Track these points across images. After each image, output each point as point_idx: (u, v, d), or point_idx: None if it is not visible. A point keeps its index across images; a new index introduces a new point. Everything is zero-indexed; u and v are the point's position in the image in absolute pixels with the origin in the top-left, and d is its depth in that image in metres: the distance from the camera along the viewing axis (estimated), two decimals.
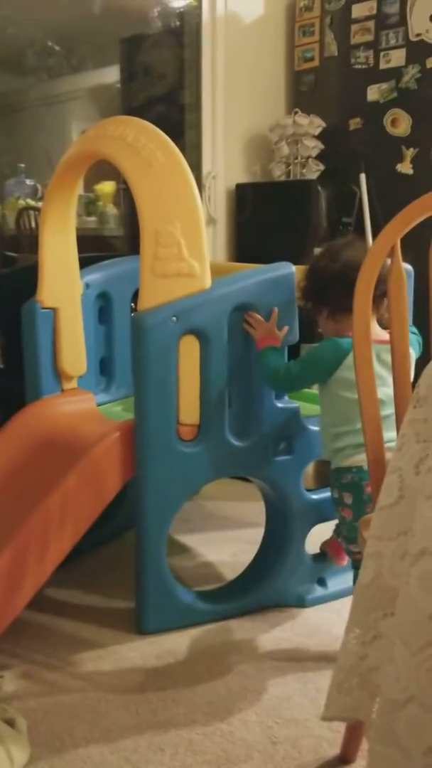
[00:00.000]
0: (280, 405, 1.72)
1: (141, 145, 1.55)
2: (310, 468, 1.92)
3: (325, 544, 1.82)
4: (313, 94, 2.93)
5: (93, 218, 3.94)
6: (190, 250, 1.55)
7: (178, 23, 3.17)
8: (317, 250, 2.61)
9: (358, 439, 1.44)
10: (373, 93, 2.72)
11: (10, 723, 1.31)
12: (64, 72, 4.68)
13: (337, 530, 1.72)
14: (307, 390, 2.42)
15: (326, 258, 1.60)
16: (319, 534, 1.84)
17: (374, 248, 1.25)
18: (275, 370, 1.62)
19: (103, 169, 1.90)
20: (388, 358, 1.25)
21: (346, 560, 1.76)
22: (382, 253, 1.24)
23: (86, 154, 1.73)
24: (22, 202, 4.15)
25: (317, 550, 1.85)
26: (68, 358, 1.87)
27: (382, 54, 2.68)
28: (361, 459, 1.47)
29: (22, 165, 4.46)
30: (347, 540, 1.59)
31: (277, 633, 1.70)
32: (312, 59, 2.92)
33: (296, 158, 2.82)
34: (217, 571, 2.02)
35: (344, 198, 2.72)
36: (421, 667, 0.74)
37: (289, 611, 1.78)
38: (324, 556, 1.83)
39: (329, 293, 1.55)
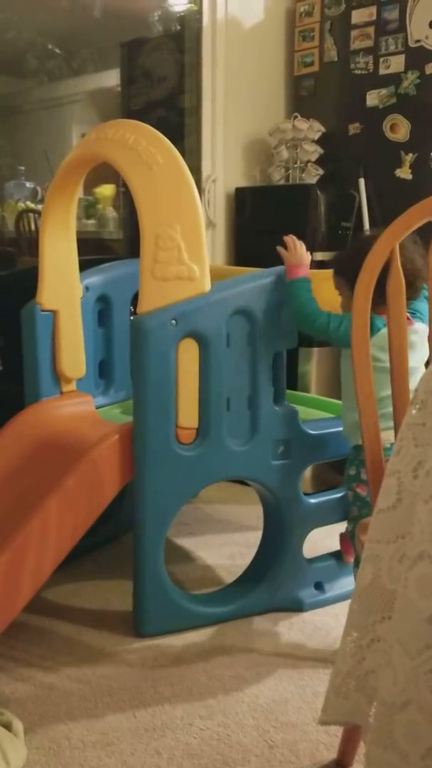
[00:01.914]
0: (278, 409, 1.73)
1: (141, 148, 1.56)
2: (308, 472, 1.92)
3: (343, 538, 1.82)
4: (313, 99, 2.94)
5: (92, 221, 3.95)
6: (190, 253, 1.55)
7: (178, 27, 3.18)
8: (321, 254, 2.62)
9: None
10: (373, 98, 2.73)
11: (7, 726, 1.31)
12: (64, 75, 4.69)
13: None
14: (306, 394, 2.44)
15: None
16: (317, 538, 1.84)
17: (374, 252, 1.25)
18: (311, 313, 1.62)
19: (102, 172, 1.91)
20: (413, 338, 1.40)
21: (352, 557, 1.77)
22: (381, 257, 1.25)
23: (87, 156, 1.74)
24: (21, 205, 4.16)
25: (315, 554, 1.85)
26: (67, 361, 1.88)
27: (381, 60, 2.69)
28: (382, 437, 1.46)
29: (22, 167, 4.46)
30: (360, 520, 1.59)
31: (275, 636, 1.70)
32: (312, 64, 2.93)
33: (295, 162, 2.83)
34: (214, 575, 2.02)
35: (343, 202, 2.73)
36: (419, 670, 0.74)
37: (286, 615, 1.78)
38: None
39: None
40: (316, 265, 2.60)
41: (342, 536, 1.81)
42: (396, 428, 1.24)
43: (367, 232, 1.70)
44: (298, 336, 1.74)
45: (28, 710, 1.42)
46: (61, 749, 1.32)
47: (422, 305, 1.61)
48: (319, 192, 2.68)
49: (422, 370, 1.52)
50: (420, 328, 1.56)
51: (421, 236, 1.43)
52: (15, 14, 4.04)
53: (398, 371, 1.25)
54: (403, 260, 1.26)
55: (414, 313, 1.58)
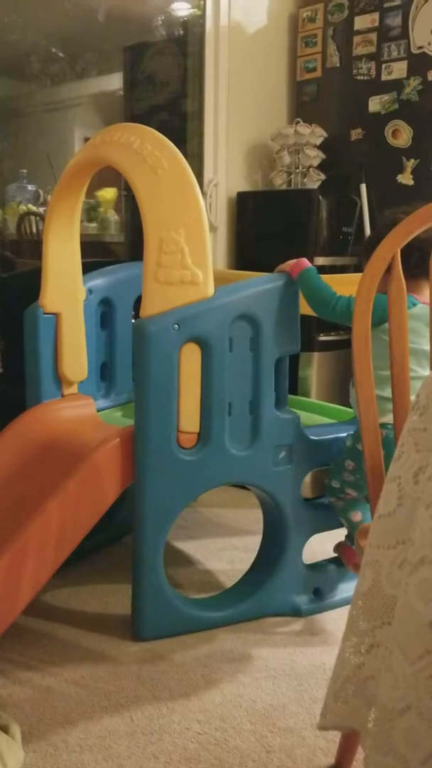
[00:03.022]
0: (280, 414, 1.73)
1: (147, 152, 1.56)
2: (307, 477, 1.92)
3: (338, 547, 1.82)
4: (315, 105, 2.95)
5: (94, 224, 3.95)
6: (194, 257, 1.55)
7: (181, 32, 3.19)
8: (322, 259, 2.64)
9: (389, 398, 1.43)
10: (375, 104, 2.74)
11: (4, 729, 1.31)
12: (67, 78, 4.70)
13: (350, 535, 1.76)
14: (307, 399, 2.44)
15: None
16: (317, 544, 1.84)
17: (374, 258, 1.26)
18: (330, 296, 1.65)
19: (104, 175, 1.91)
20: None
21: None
22: (382, 263, 1.25)
23: (92, 160, 1.74)
24: (23, 207, 4.16)
25: (314, 560, 1.85)
26: (69, 363, 1.88)
27: (383, 66, 2.71)
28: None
29: (24, 170, 4.47)
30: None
31: (273, 642, 1.70)
32: (314, 70, 2.94)
33: (297, 167, 2.83)
34: (213, 579, 2.02)
35: (345, 208, 2.73)
36: (419, 675, 0.74)
37: (285, 620, 1.78)
38: (328, 564, 1.84)
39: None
40: (317, 270, 2.60)
41: (342, 546, 1.81)
42: (397, 433, 1.24)
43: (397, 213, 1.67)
44: (300, 340, 1.74)
45: (25, 713, 1.42)
46: (58, 752, 1.32)
47: None
48: (320, 197, 2.69)
49: None
50: None
51: None
52: (19, 17, 4.05)
53: (399, 377, 1.25)
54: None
55: None
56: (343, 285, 1.69)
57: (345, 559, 1.81)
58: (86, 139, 2.21)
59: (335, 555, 1.86)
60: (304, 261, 1.73)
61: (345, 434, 1.80)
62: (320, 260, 2.64)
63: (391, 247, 1.24)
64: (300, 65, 2.99)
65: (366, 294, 1.25)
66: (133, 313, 2.11)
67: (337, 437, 1.81)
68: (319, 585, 1.83)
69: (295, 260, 1.74)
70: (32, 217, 3.97)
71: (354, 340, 1.25)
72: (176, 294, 1.56)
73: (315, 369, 2.63)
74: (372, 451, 1.24)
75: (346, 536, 1.82)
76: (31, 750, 1.31)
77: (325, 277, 1.72)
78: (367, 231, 2.69)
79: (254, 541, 1.87)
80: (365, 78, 2.76)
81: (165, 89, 3.20)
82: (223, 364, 1.63)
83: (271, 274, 1.74)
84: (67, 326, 1.86)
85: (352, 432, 1.72)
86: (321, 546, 1.87)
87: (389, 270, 1.26)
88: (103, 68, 4.44)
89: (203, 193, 2.83)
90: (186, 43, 3.06)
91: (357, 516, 1.72)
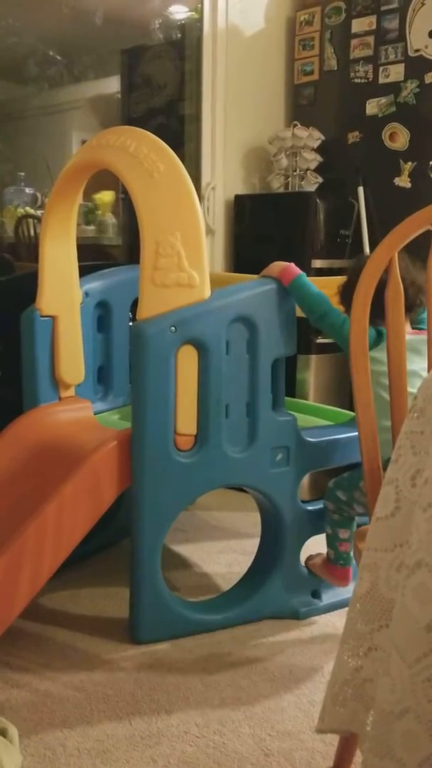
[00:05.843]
0: (277, 416, 1.73)
1: (143, 155, 1.56)
2: (305, 479, 1.92)
3: (310, 560, 1.82)
4: (313, 107, 2.96)
5: (92, 227, 3.95)
6: (190, 260, 1.55)
7: (179, 35, 3.20)
8: (319, 262, 2.64)
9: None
10: (372, 107, 2.74)
11: (2, 732, 1.31)
12: (65, 81, 4.70)
13: (332, 540, 1.74)
14: (305, 401, 2.44)
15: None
16: (315, 546, 1.84)
17: (372, 261, 1.26)
18: (328, 307, 1.63)
19: (102, 178, 1.92)
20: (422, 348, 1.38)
21: (348, 581, 1.76)
22: (379, 265, 1.26)
23: (88, 163, 1.74)
24: (21, 210, 4.16)
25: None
26: (66, 367, 1.88)
27: (381, 69, 2.71)
28: None
29: (22, 173, 4.47)
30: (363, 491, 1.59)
31: (271, 644, 1.69)
32: (311, 73, 2.95)
33: (295, 170, 2.84)
34: (211, 582, 2.02)
35: (342, 211, 2.74)
36: (416, 678, 0.74)
37: (283, 623, 1.78)
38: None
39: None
40: (315, 272, 2.61)
41: (327, 565, 1.78)
42: (394, 433, 1.24)
43: (365, 245, 1.71)
44: (297, 343, 1.74)
45: (23, 717, 1.41)
46: (56, 756, 1.31)
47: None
48: (318, 200, 2.69)
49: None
50: None
51: (417, 248, 1.46)
52: (16, 20, 4.06)
53: (396, 375, 1.25)
54: (406, 284, 1.29)
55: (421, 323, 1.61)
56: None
57: (334, 577, 1.76)
58: (83, 142, 2.22)
59: None
60: (293, 268, 1.69)
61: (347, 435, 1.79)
62: (318, 263, 2.64)
63: (388, 250, 1.24)
64: (297, 68, 2.99)
65: (362, 299, 1.24)
66: (130, 315, 2.12)
67: (334, 439, 1.81)
68: (317, 587, 1.83)
69: (282, 265, 1.70)
70: (30, 220, 3.98)
71: (351, 344, 1.25)
72: (173, 296, 1.56)
73: (313, 371, 2.64)
74: (369, 454, 1.24)
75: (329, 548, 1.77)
76: (29, 754, 1.31)
77: (322, 280, 1.73)
78: (365, 234, 2.69)
79: (252, 544, 1.87)
80: (362, 81, 2.77)
81: (162, 92, 3.21)
82: (219, 367, 1.63)
83: (267, 277, 1.74)
84: (64, 329, 1.86)
85: None
86: (319, 548, 1.87)
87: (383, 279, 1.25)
88: (100, 71, 4.45)
89: (200, 197, 2.83)
90: (183, 46, 3.07)
91: (345, 534, 1.70)
